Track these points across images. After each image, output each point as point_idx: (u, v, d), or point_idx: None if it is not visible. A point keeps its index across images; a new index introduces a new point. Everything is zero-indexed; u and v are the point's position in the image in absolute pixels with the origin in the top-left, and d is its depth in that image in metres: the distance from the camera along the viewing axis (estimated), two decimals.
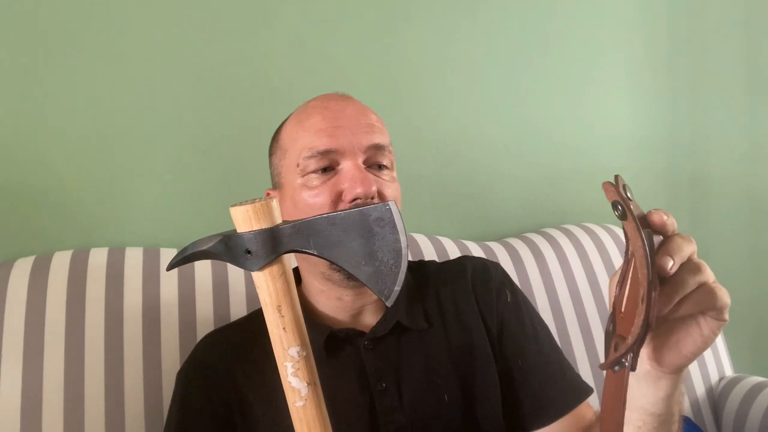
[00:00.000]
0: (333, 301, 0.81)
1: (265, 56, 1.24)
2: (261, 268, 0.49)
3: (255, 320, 0.86)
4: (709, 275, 0.51)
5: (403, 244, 0.48)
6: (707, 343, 0.53)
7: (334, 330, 0.79)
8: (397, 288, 0.48)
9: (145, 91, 1.15)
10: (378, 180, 0.76)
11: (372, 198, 0.74)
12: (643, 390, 0.57)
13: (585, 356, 1.20)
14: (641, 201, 1.73)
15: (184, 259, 0.55)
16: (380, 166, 0.78)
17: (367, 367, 0.77)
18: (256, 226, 0.49)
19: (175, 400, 0.81)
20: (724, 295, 0.51)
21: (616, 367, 0.45)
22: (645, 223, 0.48)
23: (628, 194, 0.50)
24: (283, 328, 0.49)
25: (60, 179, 1.10)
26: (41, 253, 1.02)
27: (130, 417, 0.94)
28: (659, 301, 0.45)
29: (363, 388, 0.76)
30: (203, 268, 1.07)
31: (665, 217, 0.50)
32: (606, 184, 0.50)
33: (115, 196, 1.13)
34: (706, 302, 0.50)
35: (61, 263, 1.00)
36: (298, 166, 0.77)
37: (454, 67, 1.40)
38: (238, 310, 1.04)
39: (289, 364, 0.49)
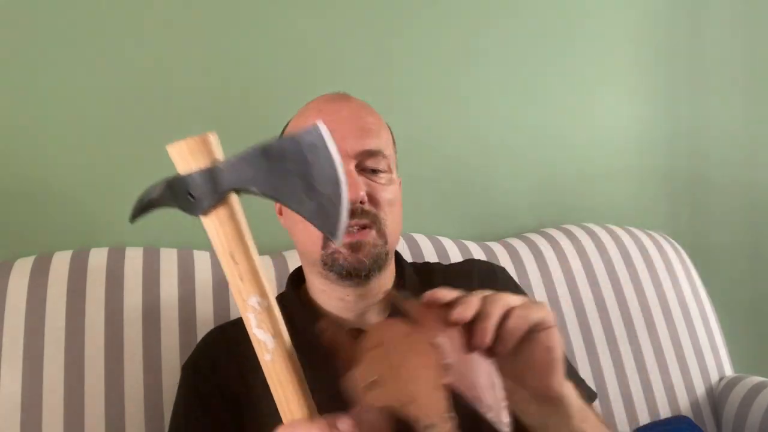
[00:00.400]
0: (335, 301, 0.81)
1: (267, 57, 1.24)
2: (206, 213, 0.46)
3: None
4: (504, 304, 0.53)
5: (340, 171, 0.44)
6: (552, 352, 0.55)
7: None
8: (343, 222, 0.44)
9: (146, 91, 1.15)
10: (370, 184, 0.77)
11: (362, 203, 0.75)
12: (539, 421, 0.60)
13: (585, 356, 1.20)
14: (641, 200, 1.73)
15: (142, 209, 0.52)
16: (375, 170, 0.78)
17: None
18: (194, 166, 0.45)
19: (181, 391, 0.81)
20: (533, 312, 0.54)
21: None
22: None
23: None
24: (240, 278, 0.46)
25: (60, 179, 1.10)
26: (41, 253, 1.02)
27: (130, 417, 0.94)
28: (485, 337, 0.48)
29: None
30: (203, 268, 1.07)
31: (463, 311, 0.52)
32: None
33: (115, 196, 1.13)
34: (520, 326, 0.53)
35: (61, 263, 1.00)
36: None
37: (454, 68, 1.40)
38: (237, 310, 1.04)
39: (251, 315, 0.47)
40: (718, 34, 1.69)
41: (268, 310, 0.47)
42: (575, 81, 1.52)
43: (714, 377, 1.28)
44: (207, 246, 1.15)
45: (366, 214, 0.75)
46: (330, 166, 0.43)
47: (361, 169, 0.77)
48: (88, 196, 1.11)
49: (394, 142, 0.85)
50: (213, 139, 0.46)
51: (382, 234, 0.77)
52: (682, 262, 1.36)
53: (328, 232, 0.45)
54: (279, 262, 1.12)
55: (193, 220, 1.24)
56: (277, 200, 0.45)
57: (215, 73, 1.20)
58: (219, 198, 0.45)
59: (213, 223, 0.46)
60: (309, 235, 0.77)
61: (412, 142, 1.31)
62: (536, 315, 0.53)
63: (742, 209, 1.70)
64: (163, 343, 0.99)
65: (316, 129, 0.44)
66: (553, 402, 0.58)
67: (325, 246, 0.76)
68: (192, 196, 0.44)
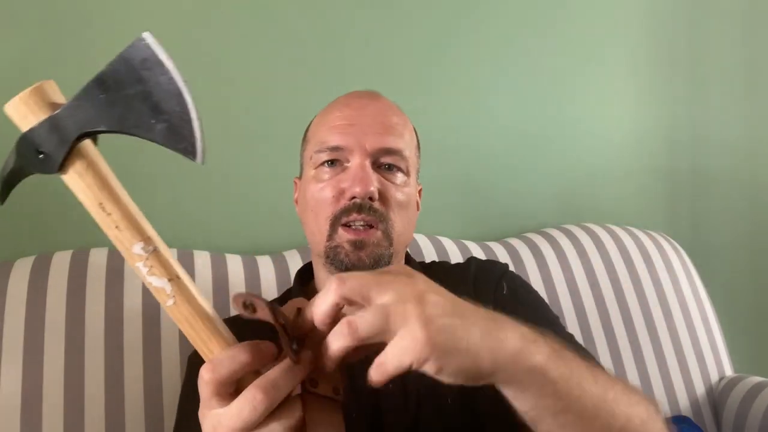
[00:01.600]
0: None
1: (267, 56, 1.24)
2: (62, 169, 0.43)
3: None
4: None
5: (179, 82, 0.41)
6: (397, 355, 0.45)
7: None
8: (198, 138, 0.41)
9: None
10: (383, 182, 0.77)
11: (371, 198, 0.75)
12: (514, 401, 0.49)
13: None
14: (641, 200, 1.73)
15: (5, 185, 0.49)
16: (390, 167, 0.78)
17: (372, 361, 0.77)
18: (34, 120, 0.41)
19: (188, 383, 0.80)
20: (340, 337, 0.45)
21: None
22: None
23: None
24: (116, 227, 0.43)
25: (60, 179, 1.09)
26: (41, 253, 1.02)
27: (130, 417, 0.94)
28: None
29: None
30: (203, 268, 1.07)
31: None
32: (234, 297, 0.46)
33: None
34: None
35: (61, 263, 1.00)
36: (311, 158, 0.79)
37: (455, 69, 1.40)
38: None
39: (140, 264, 0.43)
40: (719, 35, 1.69)
41: (156, 253, 0.44)
42: (576, 83, 1.52)
43: (714, 377, 1.28)
44: (207, 246, 1.15)
45: (374, 212, 0.75)
46: (169, 81, 0.39)
47: (377, 166, 0.77)
48: None
49: (418, 148, 0.85)
50: (49, 86, 0.42)
51: (387, 236, 0.77)
52: (682, 262, 1.36)
53: (186, 151, 0.41)
54: (279, 262, 1.12)
55: (193, 220, 1.24)
56: (127, 133, 0.41)
57: (216, 73, 1.20)
58: (69, 147, 0.41)
59: (73, 178, 0.42)
60: (318, 225, 0.78)
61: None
62: (341, 344, 0.45)
63: (742, 209, 1.70)
64: (162, 342, 0.99)
65: (142, 40, 0.40)
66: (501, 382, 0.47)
67: (329, 238, 0.76)
68: (41, 153, 0.41)
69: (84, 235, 1.10)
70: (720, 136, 1.68)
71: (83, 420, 0.92)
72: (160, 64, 0.39)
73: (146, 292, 1.01)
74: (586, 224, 1.38)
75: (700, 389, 1.26)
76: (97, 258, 1.02)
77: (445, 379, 0.44)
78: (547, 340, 0.49)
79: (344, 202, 0.75)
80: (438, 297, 0.46)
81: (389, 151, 0.77)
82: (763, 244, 1.71)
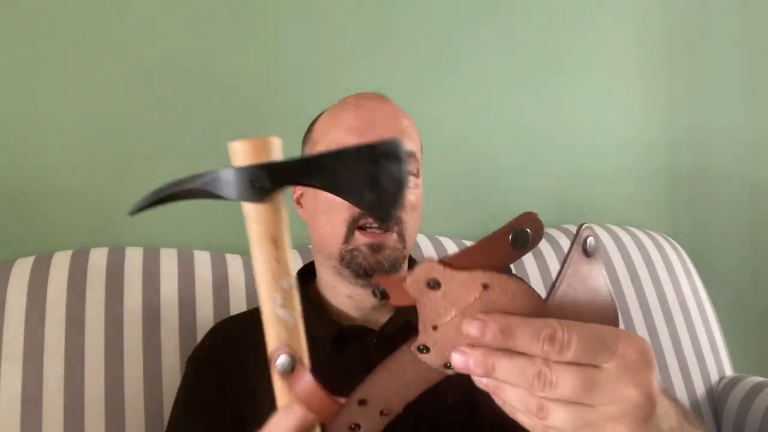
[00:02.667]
0: (344, 297, 0.81)
1: (267, 56, 1.24)
2: (263, 201, 0.47)
3: (260, 312, 0.87)
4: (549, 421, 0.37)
5: (405, 173, 0.47)
6: None
7: (344, 326, 0.80)
8: (395, 212, 0.47)
9: (146, 92, 1.15)
10: None
11: None
12: None
13: None
14: (641, 200, 1.73)
15: (159, 200, 0.51)
16: None
17: (374, 363, 0.77)
18: (257, 161, 0.47)
19: (184, 384, 0.81)
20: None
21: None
22: None
23: (589, 250, 0.42)
24: (277, 260, 0.48)
25: (60, 179, 1.10)
26: (41, 253, 1.02)
27: (130, 417, 0.94)
28: None
29: None
30: (203, 268, 1.07)
31: (475, 333, 0.38)
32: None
33: (115, 196, 1.13)
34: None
35: (61, 263, 1.00)
36: None
37: (456, 70, 1.40)
38: (238, 310, 1.04)
39: (278, 295, 0.49)
40: (719, 36, 1.69)
41: (292, 290, 0.50)
42: (576, 83, 1.52)
43: (714, 377, 1.28)
44: (207, 246, 1.15)
45: None
46: (399, 171, 0.46)
47: None
48: (88, 196, 1.11)
49: (421, 148, 0.86)
50: (278, 142, 0.47)
51: (402, 237, 0.78)
52: (682, 262, 1.36)
53: (381, 218, 0.47)
54: None
55: (193, 220, 1.25)
56: (335, 194, 0.47)
57: (216, 74, 1.20)
58: (280, 188, 0.47)
59: (265, 210, 0.47)
60: (332, 227, 0.77)
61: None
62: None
63: (742, 209, 1.70)
64: (162, 343, 0.99)
65: (394, 143, 0.46)
66: None
67: (346, 241, 0.77)
68: (253, 185, 0.46)
69: (84, 235, 1.10)
70: (720, 136, 1.68)
71: (83, 420, 0.92)
72: (399, 159, 0.45)
73: (146, 292, 1.01)
74: (586, 224, 1.38)
75: (700, 389, 1.26)
76: (97, 258, 1.02)
77: None
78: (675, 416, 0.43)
79: None
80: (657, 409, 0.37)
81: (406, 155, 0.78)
82: (763, 244, 1.71)
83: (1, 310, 0.94)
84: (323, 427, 0.47)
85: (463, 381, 0.82)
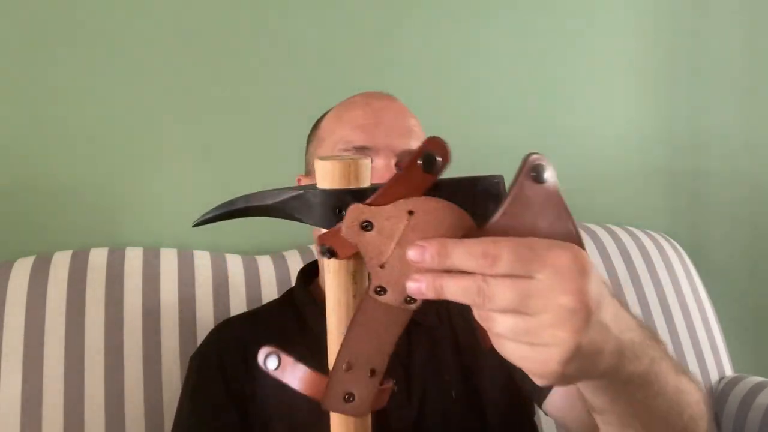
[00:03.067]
0: None
1: (268, 55, 1.23)
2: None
3: (268, 311, 0.87)
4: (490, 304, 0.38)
5: (503, 186, 0.46)
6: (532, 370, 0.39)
7: None
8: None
9: (146, 91, 1.15)
10: None
11: None
12: (586, 397, 0.48)
13: None
14: (641, 200, 1.72)
15: (230, 213, 0.49)
16: None
17: None
18: (346, 185, 0.44)
19: (189, 384, 0.80)
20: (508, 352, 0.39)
21: (321, 249, 0.42)
22: None
23: (543, 176, 0.45)
24: (354, 296, 0.46)
25: (60, 179, 1.10)
26: (41, 253, 1.02)
27: (130, 417, 0.94)
28: None
29: None
30: (203, 268, 1.07)
31: (416, 258, 0.39)
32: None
33: (115, 196, 1.13)
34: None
35: (61, 263, 1.00)
36: None
37: (455, 68, 1.40)
38: (238, 310, 1.04)
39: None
40: (718, 35, 1.69)
41: None
42: (575, 83, 1.52)
43: (714, 377, 1.28)
44: (207, 246, 1.15)
45: None
46: (496, 185, 0.46)
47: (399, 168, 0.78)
48: (88, 196, 1.11)
49: None
50: (367, 164, 0.45)
51: None
52: (682, 262, 1.36)
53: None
54: (279, 262, 1.12)
55: (193, 221, 1.24)
56: None
57: (216, 73, 1.20)
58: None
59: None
60: None
61: None
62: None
63: (743, 209, 1.69)
64: (162, 343, 0.99)
65: (496, 179, 0.45)
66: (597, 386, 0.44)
67: None
68: (340, 211, 0.43)
69: (84, 235, 1.10)
70: (720, 137, 1.68)
71: (83, 420, 0.92)
72: (498, 198, 0.44)
73: (146, 292, 1.01)
74: (586, 224, 1.38)
75: None
76: (97, 258, 1.02)
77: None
78: (651, 345, 0.46)
79: None
80: (604, 300, 0.38)
81: None
82: (763, 245, 1.71)
83: (1, 310, 0.94)
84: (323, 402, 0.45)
85: (469, 377, 0.82)
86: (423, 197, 0.42)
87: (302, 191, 0.44)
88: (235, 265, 1.10)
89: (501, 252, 0.37)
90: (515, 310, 0.37)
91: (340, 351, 0.43)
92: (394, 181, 0.41)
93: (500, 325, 0.38)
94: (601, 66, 1.55)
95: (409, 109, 0.85)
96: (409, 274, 0.41)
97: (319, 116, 0.89)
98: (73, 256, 1.01)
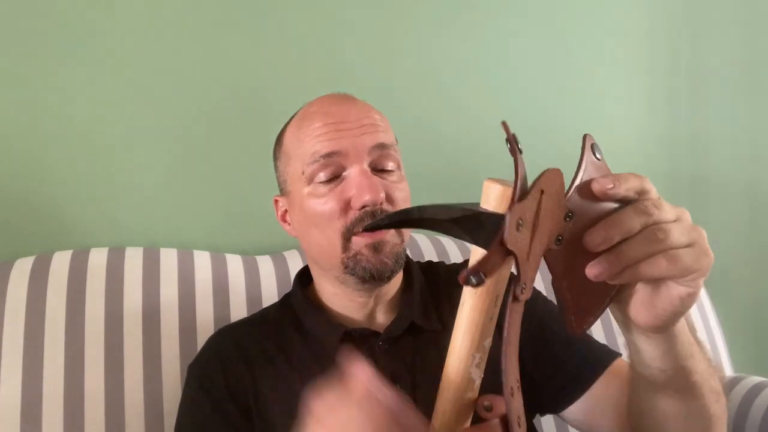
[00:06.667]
0: (346, 302, 0.81)
1: (265, 56, 1.23)
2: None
3: (266, 317, 0.86)
4: (672, 240, 0.46)
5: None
6: (676, 309, 0.49)
7: (348, 329, 0.79)
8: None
9: (145, 92, 1.15)
10: (386, 183, 0.76)
11: (381, 204, 0.74)
12: (639, 345, 0.55)
13: None
14: None
15: (402, 222, 0.50)
16: (386, 170, 0.77)
17: (382, 368, 0.77)
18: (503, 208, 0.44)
19: (190, 393, 0.79)
20: (692, 261, 0.47)
21: (473, 279, 0.41)
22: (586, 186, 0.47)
23: (597, 154, 0.50)
24: (491, 318, 0.46)
25: (60, 179, 1.10)
26: (41, 253, 1.02)
27: (130, 417, 0.94)
28: (592, 264, 0.44)
29: None
30: (203, 269, 1.07)
31: (609, 186, 0.46)
32: (502, 123, 0.48)
33: (115, 196, 1.13)
34: (665, 269, 0.46)
35: (61, 263, 1.00)
36: (303, 173, 0.76)
37: (454, 67, 1.40)
38: (238, 310, 1.04)
39: (477, 355, 0.46)
40: (719, 38, 1.69)
41: (488, 350, 0.48)
42: (576, 85, 1.52)
43: None
44: (207, 246, 1.15)
45: (385, 214, 0.74)
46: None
47: (374, 169, 0.76)
48: (88, 196, 1.11)
49: (396, 141, 0.85)
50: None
51: (399, 232, 0.77)
52: None
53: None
54: (279, 262, 1.12)
55: (193, 221, 1.24)
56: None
57: (215, 74, 1.20)
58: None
59: (488, 284, 0.46)
60: (328, 239, 0.76)
61: (411, 142, 1.31)
62: (685, 268, 0.46)
63: (743, 210, 1.70)
64: (163, 343, 0.99)
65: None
66: (662, 337, 0.53)
67: (345, 249, 0.75)
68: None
69: (84, 235, 1.10)
70: (721, 139, 1.68)
71: (83, 420, 0.92)
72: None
73: (146, 292, 1.01)
74: None
75: None
76: (97, 258, 1.02)
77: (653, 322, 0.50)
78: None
79: (354, 213, 0.74)
80: None
81: (383, 146, 0.76)
82: (763, 245, 1.71)
83: (1, 310, 0.94)
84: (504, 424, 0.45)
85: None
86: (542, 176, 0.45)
87: (477, 211, 0.45)
88: (235, 265, 1.10)
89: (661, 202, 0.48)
90: (688, 241, 0.47)
91: (506, 378, 0.43)
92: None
93: (676, 238, 0.46)
94: (601, 72, 1.56)
95: (406, 107, 0.84)
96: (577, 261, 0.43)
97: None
98: (73, 256, 1.01)
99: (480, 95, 1.42)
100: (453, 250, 1.22)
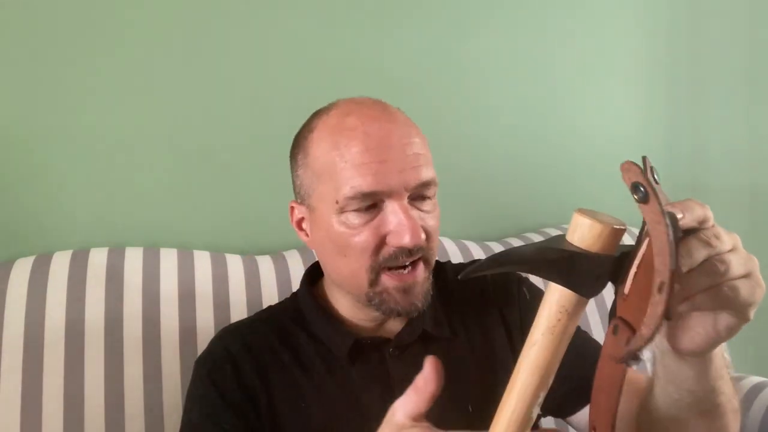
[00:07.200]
0: (358, 313, 0.79)
1: (266, 57, 1.23)
2: (588, 296, 0.44)
3: (274, 318, 0.84)
4: (732, 272, 0.45)
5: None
6: (721, 337, 0.49)
7: (359, 337, 0.77)
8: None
9: (146, 92, 1.15)
10: (421, 215, 0.73)
11: (417, 246, 0.71)
12: (672, 367, 0.55)
13: None
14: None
15: (499, 266, 0.48)
16: (424, 197, 0.74)
17: (393, 375, 0.76)
18: (603, 251, 0.42)
19: (198, 388, 0.77)
20: (748, 293, 0.46)
21: (632, 362, 0.40)
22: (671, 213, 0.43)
23: (655, 176, 0.45)
24: (558, 361, 0.45)
25: (60, 179, 1.10)
26: (41, 253, 1.02)
27: (130, 417, 0.94)
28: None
29: (388, 397, 0.75)
30: (203, 269, 1.07)
31: (679, 216, 0.45)
32: (627, 164, 0.42)
33: (115, 196, 1.13)
34: (722, 301, 0.46)
35: (61, 263, 1.00)
36: (337, 203, 0.71)
37: (455, 68, 1.40)
38: (238, 310, 1.04)
39: (542, 394, 0.46)
40: (718, 39, 1.69)
41: (546, 390, 0.47)
42: (576, 85, 1.52)
43: None
44: (207, 246, 1.15)
45: (420, 250, 0.72)
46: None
47: (412, 198, 0.72)
48: (88, 196, 1.11)
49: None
50: (621, 233, 0.44)
51: (428, 263, 0.75)
52: None
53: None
54: (279, 262, 1.12)
55: (193, 221, 1.24)
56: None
57: (216, 74, 1.20)
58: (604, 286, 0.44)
59: (580, 307, 0.44)
60: (351, 270, 0.73)
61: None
62: (743, 300, 0.46)
63: (742, 211, 1.70)
64: (162, 342, 0.99)
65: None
66: (698, 361, 0.53)
67: (372, 284, 0.72)
68: (598, 278, 0.42)
69: (84, 235, 1.10)
70: (720, 141, 1.68)
71: (83, 420, 0.92)
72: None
73: (146, 292, 1.01)
74: None
75: None
76: (97, 258, 1.02)
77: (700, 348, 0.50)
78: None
79: (389, 249, 0.71)
80: None
81: (426, 184, 0.73)
82: (763, 246, 1.71)
83: (1, 310, 0.94)
84: None
85: (486, 389, 0.81)
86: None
87: (574, 252, 0.42)
88: (235, 265, 1.10)
89: (721, 233, 0.47)
90: (746, 270, 0.46)
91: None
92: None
93: (736, 269, 0.45)
94: (602, 69, 1.55)
95: (403, 109, 0.81)
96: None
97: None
98: (73, 256, 1.01)
99: (479, 96, 1.42)
100: (453, 249, 1.22)
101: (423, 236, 0.71)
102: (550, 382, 0.46)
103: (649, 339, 0.38)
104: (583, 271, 0.42)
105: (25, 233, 1.07)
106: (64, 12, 1.10)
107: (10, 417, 0.89)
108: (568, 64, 1.51)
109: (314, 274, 0.85)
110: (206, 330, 0.99)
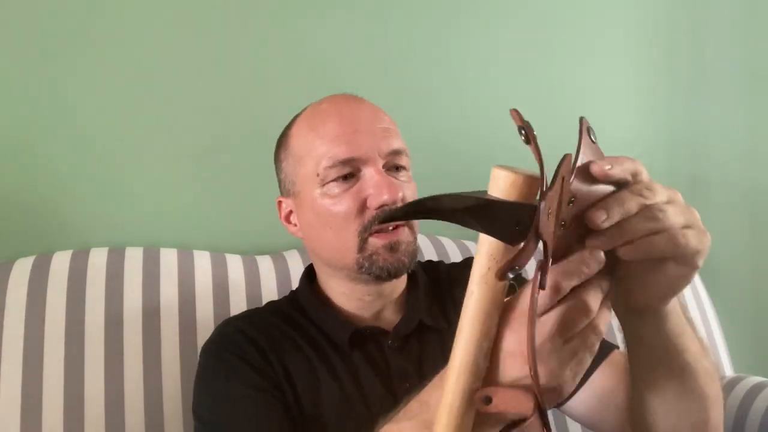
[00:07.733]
0: (354, 301, 0.82)
1: (266, 56, 1.23)
2: (515, 243, 0.45)
3: (276, 308, 0.86)
4: (670, 220, 0.46)
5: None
6: (672, 288, 0.51)
7: (359, 327, 0.80)
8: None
9: (145, 92, 1.15)
10: (400, 185, 0.77)
11: (398, 203, 0.75)
12: (635, 325, 0.57)
13: None
14: None
15: (415, 212, 0.50)
16: (398, 168, 0.79)
17: (392, 366, 0.78)
18: (520, 199, 0.45)
19: (220, 368, 0.76)
20: (696, 241, 0.48)
21: (509, 275, 0.42)
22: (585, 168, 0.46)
23: (591, 136, 0.49)
24: (498, 307, 0.46)
25: (60, 179, 1.10)
26: (41, 253, 1.02)
27: (130, 417, 0.94)
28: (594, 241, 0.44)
29: (387, 388, 0.77)
30: (203, 269, 1.07)
31: (607, 167, 0.46)
32: (512, 111, 0.47)
33: (115, 196, 1.13)
34: (666, 248, 0.47)
35: (61, 263, 1.00)
36: (318, 175, 0.76)
37: (453, 66, 1.40)
38: (238, 310, 1.04)
39: (486, 345, 0.47)
40: (719, 38, 1.69)
41: (492, 341, 0.48)
42: (575, 84, 1.52)
43: None
44: (207, 246, 1.15)
45: None
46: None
47: (387, 169, 0.77)
48: (88, 196, 1.11)
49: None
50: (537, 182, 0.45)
51: (412, 230, 0.79)
52: None
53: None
54: (279, 262, 1.12)
55: (193, 220, 1.24)
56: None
57: (215, 74, 1.20)
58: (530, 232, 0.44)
59: (508, 255, 0.45)
60: (343, 240, 0.76)
61: (411, 141, 1.31)
62: (687, 248, 0.47)
63: (742, 210, 1.70)
64: (163, 343, 0.99)
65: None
66: (654, 314, 0.55)
67: (361, 249, 0.76)
68: (517, 225, 0.43)
69: (84, 235, 1.10)
70: (720, 139, 1.68)
71: (83, 420, 0.92)
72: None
73: (146, 292, 1.01)
74: None
75: None
76: (97, 258, 1.02)
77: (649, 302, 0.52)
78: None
79: (371, 212, 0.75)
80: None
81: (397, 152, 0.78)
82: (763, 246, 1.71)
83: (1, 310, 0.94)
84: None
85: None
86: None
87: (491, 200, 0.44)
88: (235, 265, 1.10)
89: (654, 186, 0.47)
90: (686, 220, 0.48)
91: (531, 363, 0.42)
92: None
93: (674, 218, 0.46)
94: (602, 68, 1.55)
95: (406, 108, 0.85)
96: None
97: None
98: (73, 256, 1.01)
99: (478, 94, 1.42)
100: (453, 249, 1.22)
101: (401, 194, 0.75)
102: (493, 333, 0.46)
103: (522, 252, 0.41)
104: (502, 219, 0.43)
105: (25, 233, 1.07)
106: (64, 12, 1.10)
107: (10, 417, 0.89)
108: (567, 61, 1.51)
109: (312, 273, 0.88)
110: (206, 330, 0.99)
